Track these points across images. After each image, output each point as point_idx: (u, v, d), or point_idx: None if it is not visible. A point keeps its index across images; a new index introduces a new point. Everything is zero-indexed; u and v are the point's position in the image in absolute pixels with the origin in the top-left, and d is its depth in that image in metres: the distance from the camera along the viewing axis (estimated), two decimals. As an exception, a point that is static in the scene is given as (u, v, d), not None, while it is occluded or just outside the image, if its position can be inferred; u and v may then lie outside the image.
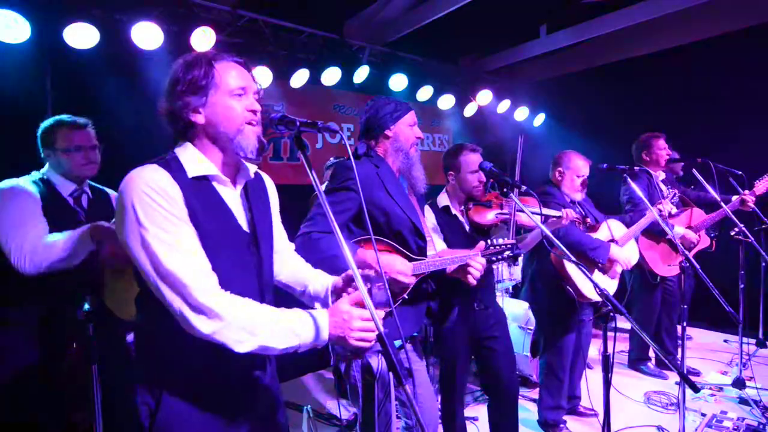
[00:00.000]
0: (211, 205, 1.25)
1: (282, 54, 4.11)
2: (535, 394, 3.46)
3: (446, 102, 5.33)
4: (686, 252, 2.29)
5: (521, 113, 5.82)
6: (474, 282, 1.95)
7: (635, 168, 2.65)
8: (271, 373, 1.43)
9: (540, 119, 6.07)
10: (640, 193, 2.47)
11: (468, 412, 3.22)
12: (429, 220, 2.42)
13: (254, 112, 1.28)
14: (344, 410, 3.37)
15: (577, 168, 2.93)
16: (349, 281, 1.42)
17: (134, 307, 1.32)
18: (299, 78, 4.16)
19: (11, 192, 1.91)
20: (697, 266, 2.23)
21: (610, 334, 1.64)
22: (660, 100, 4.95)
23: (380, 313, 1.17)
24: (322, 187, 1.64)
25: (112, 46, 3.16)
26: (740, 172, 3.43)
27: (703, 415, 3.12)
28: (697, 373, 3.86)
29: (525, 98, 5.87)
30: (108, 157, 2.19)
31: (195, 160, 1.26)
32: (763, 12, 4.19)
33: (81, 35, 3.02)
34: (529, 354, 3.58)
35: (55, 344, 1.94)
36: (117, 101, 3.09)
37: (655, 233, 3.54)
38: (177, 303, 1.12)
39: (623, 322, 3.21)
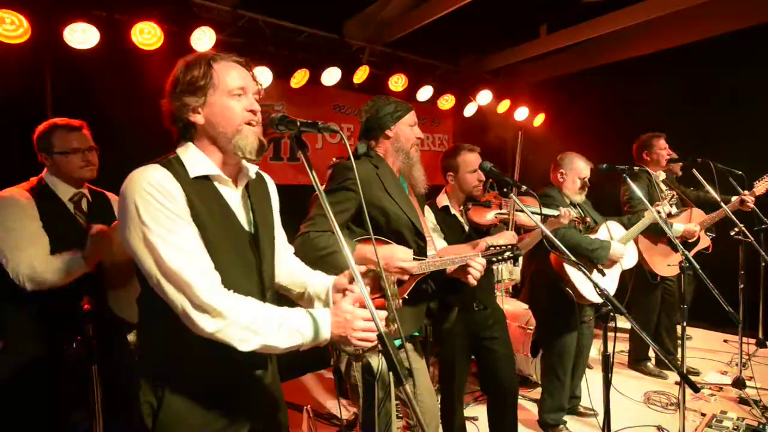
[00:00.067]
0: (213, 204, 1.25)
1: (282, 54, 4.11)
2: (535, 394, 3.46)
3: (446, 102, 5.34)
4: (686, 252, 2.29)
5: (521, 113, 5.82)
6: (474, 282, 1.95)
7: (635, 168, 2.65)
8: (272, 373, 1.43)
9: (540, 119, 6.07)
10: (639, 193, 2.47)
11: (468, 412, 3.22)
12: (429, 220, 2.42)
13: (254, 112, 1.29)
14: (344, 410, 3.38)
15: (579, 170, 2.93)
16: (352, 277, 1.42)
17: (136, 307, 1.32)
18: (299, 78, 4.16)
19: (3, 204, 1.89)
20: (697, 266, 2.23)
21: (610, 334, 1.64)
22: (660, 100, 4.94)
23: (381, 313, 1.17)
24: (323, 187, 1.64)
25: (112, 46, 3.15)
26: (740, 172, 3.44)
27: (703, 415, 3.12)
28: (697, 373, 3.87)
29: (525, 98, 5.87)
30: (108, 157, 2.19)
31: (197, 160, 1.26)
32: (763, 12, 4.19)
33: (81, 35, 3.02)
34: (529, 354, 3.58)
35: (55, 344, 1.93)
36: (117, 101, 3.09)
37: (655, 233, 3.55)
38: (180, 302, 1.13)
39: (623, 322, 3.22)
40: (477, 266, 1.93)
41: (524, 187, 2.12)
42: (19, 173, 2.07)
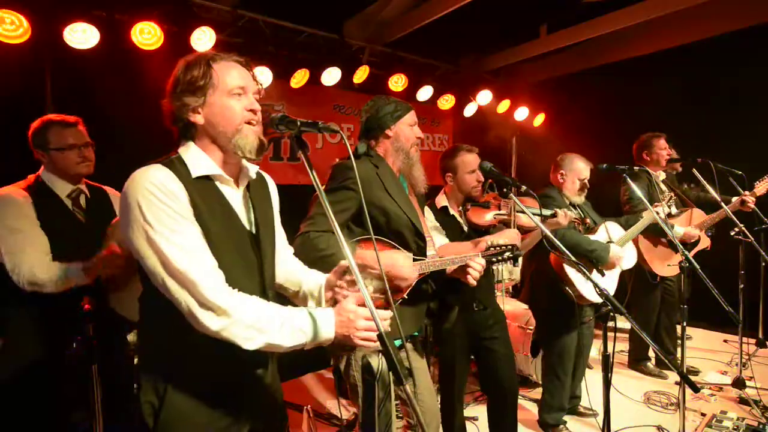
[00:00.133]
0: (214, 204, 1.25)
1: (282, 54, 4.11)
2: (535, 394, 3.47)
3: (446, 102, 5.34)
4: (686, 252, 2.29)
5: (521, 113, 5.82)
6: (474, 282, 1.95)
7: (635, 168, 2.66)
8: (272, 373, 1.44)
9: (540, 119, 6.07)
10: (639, 193, 2.47)
11: (468, 412, 3.22)
12: (429, 219, 2.42)
13: (254, 111, 1.29)
14: (344, 410, 3.38)
15: (579, 171, 2.93)
16: (342, 273, 1.42)
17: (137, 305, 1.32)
18: (299, 78, 4.16)
19: (0, 203, 1.89)
20: (697, 266, 2.23)
21: (610, 334, 1.64)
22: (660, 100, 4.94)
23: (381, 313, 1.17)
24: (323, 187, 1.64)
25: (112, 46, 3.15)
26: (740, 173, 3.44)
27: (703, 415, 3.12)
28: (697, 373, 3.86)
29: (525, 98, 5.87)
30: (108, 157, 2.18)
31: (198, 159, 1.26)
32: (763, 12, 4.19)
33: (81, 35, 3.02)
34: (529, 354, 3.58)
35: (55, 344, 1.93)
36: (117, 101, 3.09)
37: (654, 234, 3.54)
38: (185, 300, 1.13)
39: (623, 322, 3.21)
40: (476, 266, 1.94)
41: (524, 188, 2.12)
42: (19, 173, 2.06)
